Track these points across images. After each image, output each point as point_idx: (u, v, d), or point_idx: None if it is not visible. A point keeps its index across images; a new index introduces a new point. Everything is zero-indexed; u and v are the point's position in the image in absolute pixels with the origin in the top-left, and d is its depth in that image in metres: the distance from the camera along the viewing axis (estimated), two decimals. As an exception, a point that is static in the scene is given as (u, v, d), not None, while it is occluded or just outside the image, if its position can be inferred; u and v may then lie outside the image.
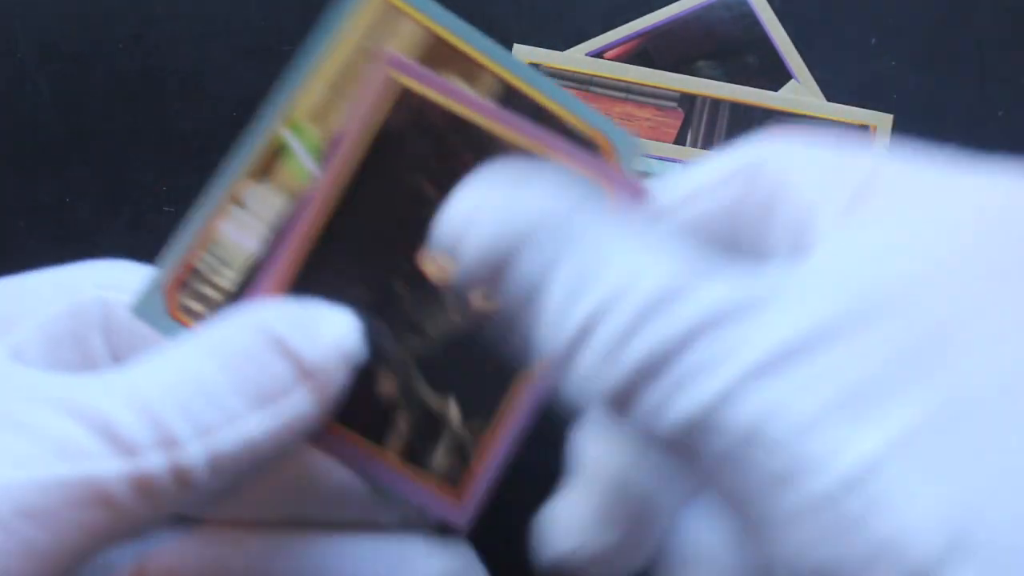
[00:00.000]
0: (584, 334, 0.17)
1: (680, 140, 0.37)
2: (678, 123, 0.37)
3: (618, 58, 0.37)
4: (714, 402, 0.16)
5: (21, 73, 0.38)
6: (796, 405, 0.16)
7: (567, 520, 0.22)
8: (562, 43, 0.37)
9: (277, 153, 0.25)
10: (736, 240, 0.21)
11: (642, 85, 0.37)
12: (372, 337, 0.24)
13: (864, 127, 0.37)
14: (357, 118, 0.25)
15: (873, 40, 0.38)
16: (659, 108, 0.37)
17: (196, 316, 0.24)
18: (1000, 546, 0.15)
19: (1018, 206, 0.19)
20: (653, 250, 0.18)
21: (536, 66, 0.37)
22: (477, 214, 0.19)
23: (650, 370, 0.17)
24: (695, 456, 0.17)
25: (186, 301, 0.24)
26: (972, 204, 0.19)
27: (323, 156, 0.24)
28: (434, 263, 0.24)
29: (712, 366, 0.17)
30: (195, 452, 0.21)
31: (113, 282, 0.26)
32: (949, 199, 0.19)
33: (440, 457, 0.24)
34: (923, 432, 0.16)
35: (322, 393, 0.22)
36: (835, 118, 0.37)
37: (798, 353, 0.16)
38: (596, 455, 0.22)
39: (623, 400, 0.17)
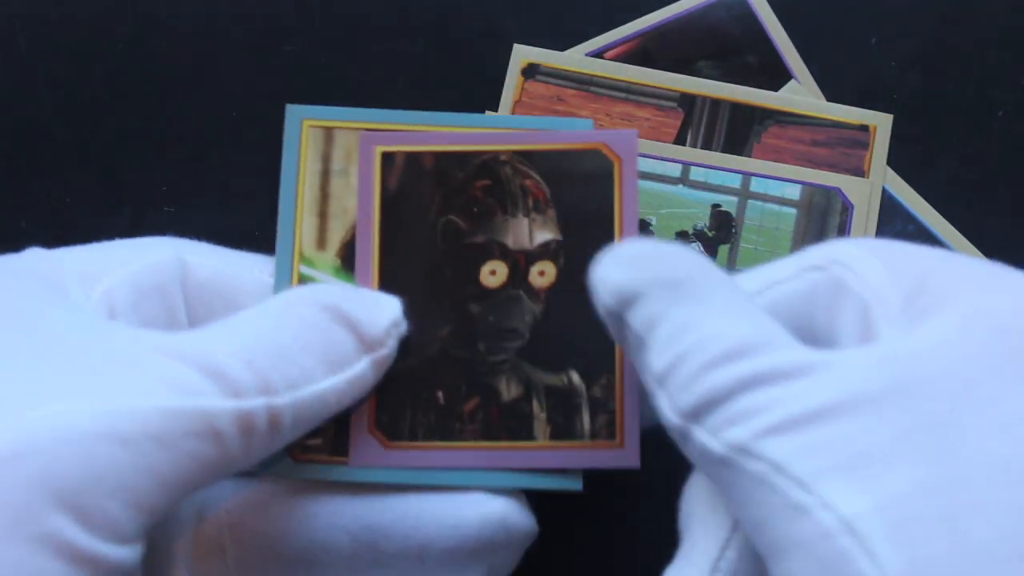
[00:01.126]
0: (672, 368, 0.22)
1: (680, 140, 0.37)
2: (678, 123, 0.37)
3: (618, 58, 0.37)
4: (746, 441, 0.21)
5: (21, 73, 0.38)
6: (802, 460, 0.20)
7: None
8: (562, 43, 0.37)
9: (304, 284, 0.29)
10: (810, 324, 0.25)
11: (642, 85, 0.37)
12: (477, 355, 0.28)
13: (864, 127, 0.37)
14: (365, 195, 0.29)
15: (873, 40, 0.38)
16: (659, 108, 0.37)
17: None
18: None
19: None
20: (737, 316, 0.23)
21: (536, 66, 0.37)
22: (613, 275, 0.24)
23: (711, 402, 0.21)
24: (730, 483, 0.21)
25: None
26: (1006, 309, 0.22)
27: (354, 239, 0.29)
28: (489, 273, 0.28)
29: (752, 413, 0.21)
30: (286, 401, 0.24)
31: (187, 247, 0.28)
32: (985, 305, 0.22)
33: (586, 422, 0.28)
34: (904, 500, 0.19)
35: (379, 361, 0.26)
36: (835, 118, 0.37)
37: (818, 418, 0.20)
38: (703, 521, 0.24)
39: (689, 420, 0.22)
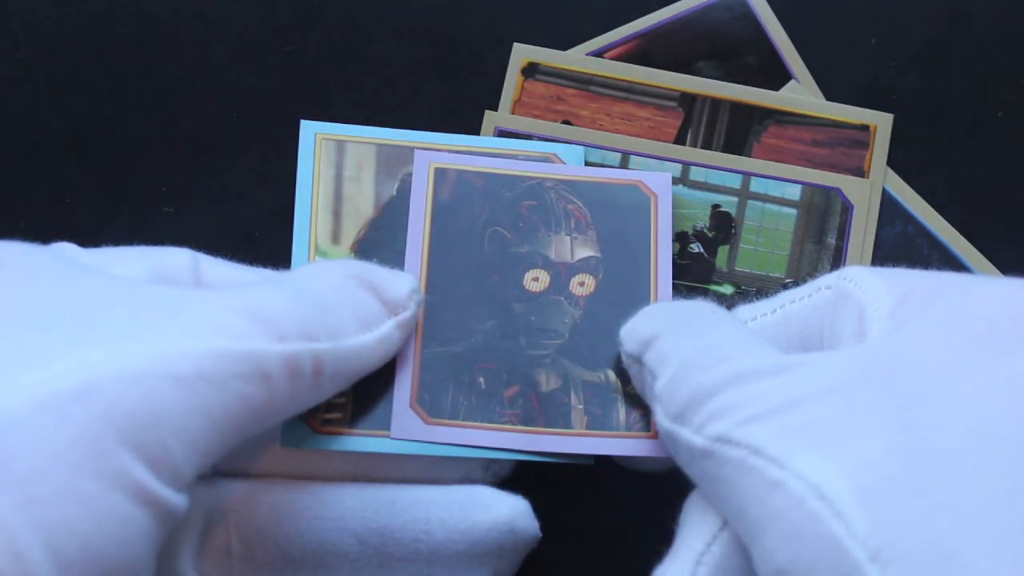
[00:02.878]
0: (668, 383, 0.25)
1: (680, 140, 0.37)
2: (678, 123, 0.37)
3: (618, 58, 0.37)
4: (726, 431, 0.22)
5: (21, 73, 0.38)
6: (778, 440, 0.21)
7: None
8: (562, 43, 0.37)
9: None
10: (820, 333, 0.27)
11: (642, 85, 0.37)
12: (519, 348, 0.30)
13: (864, 127, 0.37)
14: (417, 202, 0.31)
15: (873, 40, 0.38)
16: (659, 108, 0.37)
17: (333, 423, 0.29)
18: (915, 560, 0.19)
19: (1010, 312, 0.23)
20: (730, 337, 0.25)
21: (536, 65, 0.37)
22: (637, 326, 0.27)
23: (695, 401, 0.23)
24: (712, 475, 0.23)
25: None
26: (979, 303, 0.23)
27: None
28: (532, 280, 0.31)
29: (732, 408, 0.23)
30: (327, 347, 0.25)
31: (202, 256, 0.29)
32: (960, 303, 0.24)
33: (622, 415, 0.29)
34: (872, 466, 0.20)
35: (403, 322, 0.28)
36: (835, 118, 0.37)
37: (795, 405, 0.22)
38: (692, 521, 0.25)
39: (676, 421, 0.24)
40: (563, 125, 0.36)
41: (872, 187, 0.36)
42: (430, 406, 0.29)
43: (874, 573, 0.19)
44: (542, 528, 0.29)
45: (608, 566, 0.34)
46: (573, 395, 0.29)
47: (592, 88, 0.37)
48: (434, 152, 0.32)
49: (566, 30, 0.38)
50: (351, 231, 0.31)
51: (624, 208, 0.32)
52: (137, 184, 0.37)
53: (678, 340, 0.25)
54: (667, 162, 0.36)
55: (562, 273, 0.31)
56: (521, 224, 0.31)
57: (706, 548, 0.24)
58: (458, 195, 0.31)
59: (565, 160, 0.33)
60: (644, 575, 0.35)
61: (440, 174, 0.31)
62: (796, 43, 0.37)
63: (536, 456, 0.29)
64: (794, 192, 0.36)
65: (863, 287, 0.26)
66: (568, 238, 0.31)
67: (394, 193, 0.32)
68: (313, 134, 0.32)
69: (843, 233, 0.36)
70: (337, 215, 0.31)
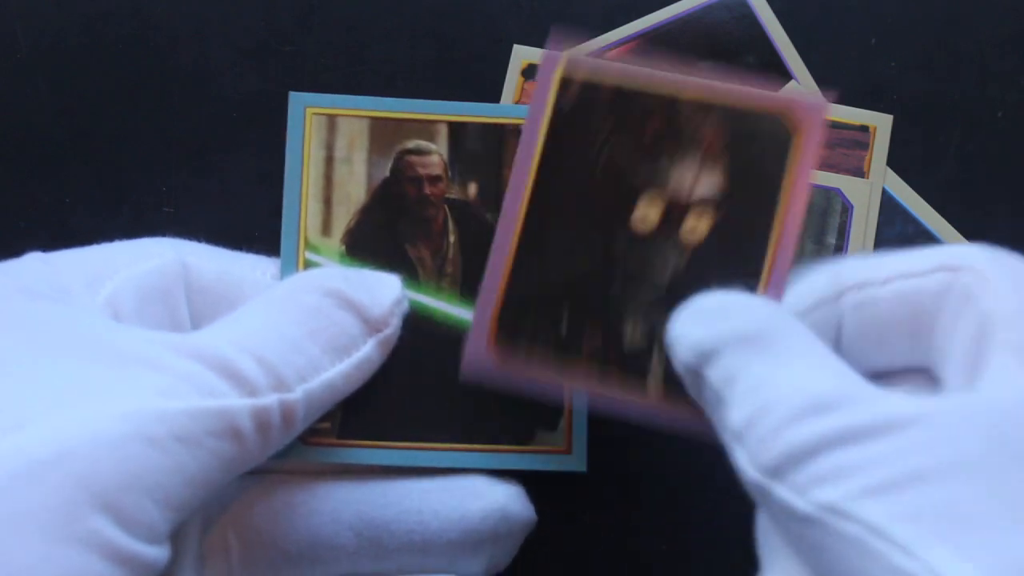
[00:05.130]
0: (751, 423, 0.22)
1: (680, 140, 0.37)
2: (678, 123, 0.37)
3: (618, 58, 0.37)
4: (838, 502, 0.20)
5: (21, 73, 0.38)
6: (903, 523, 0.19)
7: None
8: (562, 43, 0.37)
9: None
10: (931, 326, 0.24)
11: (642, 85, 0.37)
12: (610, 295, 0.27)
13: (864, 127, 0.37)
14: (535, 117, 0.28)
15: (873, 40, 0.38)
16: (659, 108, 0.37)
17: None
18: None
19: None
20: (818, 368, 0.22)
21: (536, 66, 0.37)
22: (691, 331, 0.24)
23: (795, 459, 0.21)
24: (816, 543, 0.20)
25: None
26: None
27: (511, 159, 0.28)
28: (640, 219, 0.27)
29: (843, 473, 0.20)
30: (298, 395, 0.24)
31: (189, 249, 0.28)
32: None
33: None
34: (1016, 570, 0.18)
35: (384, 341, 0.27)
36: (835, 118, 0.37)
37: (916, 479, 0.19)
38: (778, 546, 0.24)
39: (771, 476, 0.21)
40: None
41: (872, 187, 0.36)
42: (505, 346, 0.27)
43: None
44: (538, 513, 0.29)
45: (608, 551, 0.34)
46: (655, 358, 0.27)
47: (592, 88, 0.37)
48: (558, 55, 0.28)
49: (566, 30, 0.38)
50: (342, 220, 0.30)
51: (762, 142, 0.27)
52: (137, 184, 0.37)
53: (749, 359, 0.23)
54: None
55: (675, 211, 0.27)
56: (642, 149, 0.28)
57: None
58: (580, 108, 0.28)
59: None
60: (643, 559, 0.35)
61: (565, 85, 0.28)
62: (796, 43, 0.37)
63: (493, 463, 0.28)
64: (794, 192, 0.36)
65: (994, 295, 0.23)
66: (692, 169, 0.27)
67: (387, 174, 0.30)
68: (303, 108, 0.30)
69: (843, 233, 0.36)
70: (327, 203, 0.30)
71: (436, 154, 0.30)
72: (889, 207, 0.36)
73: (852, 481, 0.20)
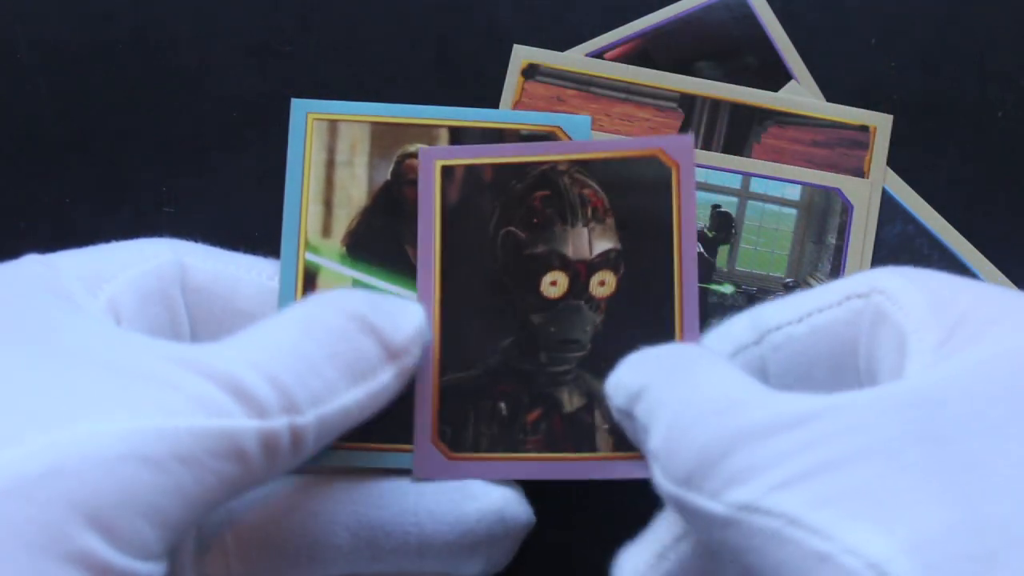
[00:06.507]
0: (664, 439, 0.22)
1: (680, 140, 0.37)
2: (678, 123, 0.37)
3: (618, 58, 0.37)
4: (753, 500, 0.20)
5: (21, 73, 0.38)
6: (819, 510, 0.19)
7: (635, 557, 0.24)
8: (562, 43, 0.37)
9: (312, 274, 0.29)
10: (853, 353, 0.25)
11: (642, 85, 0.37)
12: (539, 366, 0.28)
13: (864, 127, 0.37)
14: (426, 209, 0.29)
15: (873, 40, 0.38)
16: (659, 108, 0.37)
17: None
18: None
19: None
20: (725, 381, 0.23)
21: (536, 66, 0.37)
22: (623, 378, 0.25)
23: (705, 463, 0.21)
24: (736, 542, 0.20)
25: None
26: None
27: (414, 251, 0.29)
28: (550, 284, 0.29)
29: (755, 470, 0.20)
30: (309, 419, 0.23)
31: (186, 250, 0.28)
32: (1016, 343, 0.21)
33: None
34: (935, 542, 0.18)
35: (403, 371, 0.26)
36: (835, 118, 0.37)
37: (831, 466, 0.19)
38: (669, 513, 0.24)
39: (684, 485, 0.21)
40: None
41: (872, 187, 0.36)
42: (451, 440, 0.28)
43: None
44: (537, 513, 0.29)
45: (606, 550, 0.34)
46: (597, 413, 0.28)
47: (592, 89, 0.37)
48: (438, 149, 0.30)
49: (566, 31, 0.38)
50: (342, 222, 0.30)
51: (643, 186, 0.29)
52: (137, 184, 0.37)
53: (671, 389, 0.23)
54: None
55: (581, 273, 0.29)
56: (535, 220, 0.29)
57: (674, 543, 0.23)
58: (467, 195, 0.29)
59: (571, 134, 0.31)
60: None
61: (447, 173, 0.29)
62: (796, 43, 0.37)
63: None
64: (794, 192, 0.36)
65: (903, 307, 0.23)
66: (586, 230, 0.29)
67: (388, 177, 0.30)
68: (304, 114, 0.30)
69: (843, 233, 0.36)
70: (328, 204, 0.30)
71: None
72: (889, 207, 0.36)
73: (764, 477, 0.20)
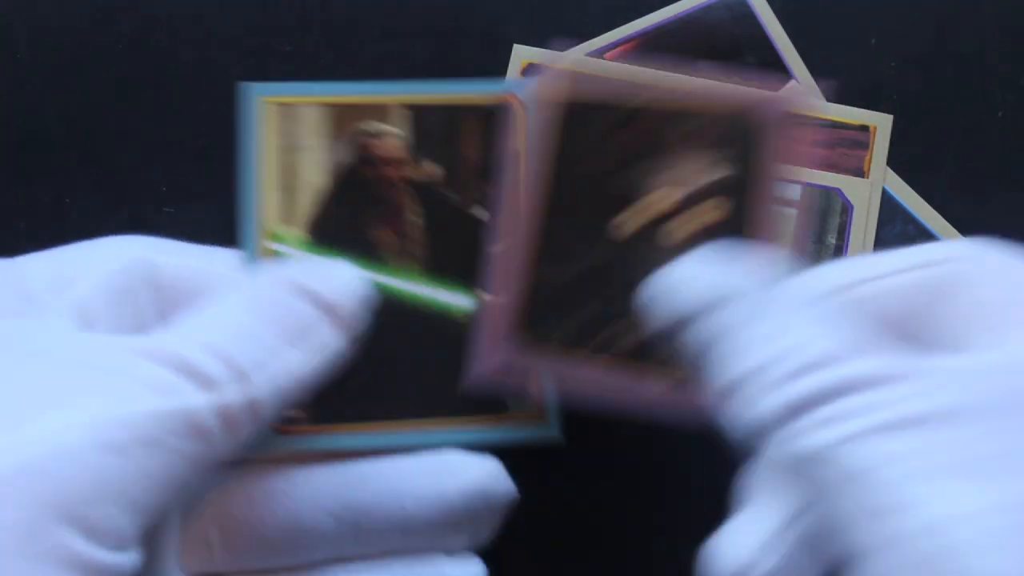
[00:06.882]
0: (751, 376, 0.22)
1: (680, 140, 0.37)
2: (678, 123, 0.37)
3: (618, 58, 0.37)
4: (839, 441, 0.20)
5: (21, 73, 0.38)
6: (900, 463, 0.20)
7: (739, 543, 0.24)
8: (562, 43, 0.37)
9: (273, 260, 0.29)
10: (918, 320, 0.25)
11: (642, 85, 0.37)
12: (623, 284, 0.28)
13: (864, 127, 0.37)
14: (535, 139, 0.28)
15: (873, 40, 0.38)
16: (659, 108, 0.37)
17: None
18: None
19: None
20: (821, 324, 0.22)
21: (536, 66, 0.37)
22: (690, 281, 0.24)
23: (799, 408, 0.21)
24: (816, 481, 0.21)
25: None
26: None
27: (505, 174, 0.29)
28: (626, 220, 0.28)
29: (846, 416, 0.21)
30: (260, 384, 0.24)
31: (152, 246, 0.28)
32: None
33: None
34: (1007, 510, 0.19)
35: (344, 326, 0.27)
36: (835, 118, 0.37)
37: (915, 424, 0.20)
38: (773, 489, 0.24)
39: (774, 423, 0.22)
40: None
41: (872, 187, 0.36)
42: (532, 342, 0.27)
43: None
44: (520, 487, 0.29)
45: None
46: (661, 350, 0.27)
47: (592, 88, 0.37)
48: (552, 72, 0.29)
49: (566, 30, 0.38)
50: (304, 208, 0.29)
51: (732, 143, 0.28)
52: (137, 184, 0.37)
53: (750, 313, 0.23)
54: (667, 162, 0.36)
55: (661, 214, 0.28)
56: (620, 158, 0.28)
57: (793, 519, 0.23)
58: (565, 125, 0.29)
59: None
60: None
61: (562, 110, 0.29)
62: (796, 43, 0.37)
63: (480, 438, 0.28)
64: (794, 192, 0.36)
65: (990, 275, 0.24)
66: (671, 175, 0.28)
67: (348, 159, 0.29)
68: (255, 100, 0.29)
69: (843, 233, 0.36)
70: (289, 190, 0.29)
71: (396, 136, 0.30)
72: (889, 207, 0.36)
73: (852, 423, 0.20)
